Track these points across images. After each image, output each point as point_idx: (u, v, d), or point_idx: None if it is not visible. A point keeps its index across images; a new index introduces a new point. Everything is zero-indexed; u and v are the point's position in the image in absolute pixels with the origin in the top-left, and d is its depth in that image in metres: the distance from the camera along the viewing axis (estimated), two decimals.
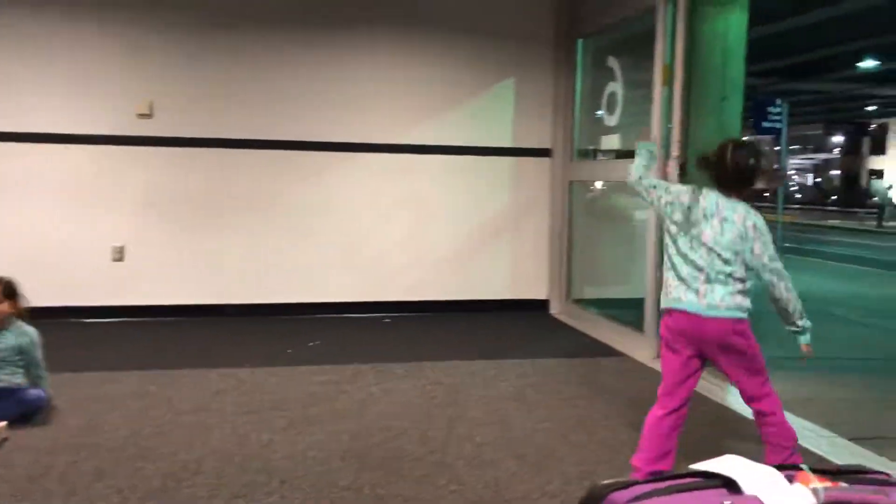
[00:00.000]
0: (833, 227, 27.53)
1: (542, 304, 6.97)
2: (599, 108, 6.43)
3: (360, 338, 5.79)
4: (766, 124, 12.78)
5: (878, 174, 41.15)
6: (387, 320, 6.38)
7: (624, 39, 6.43)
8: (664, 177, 5.17)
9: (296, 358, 5.07)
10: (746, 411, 4.10)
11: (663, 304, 3.08)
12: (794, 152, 52.76)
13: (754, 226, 2.93)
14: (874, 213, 28.01)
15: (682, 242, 3.00)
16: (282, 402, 4.10)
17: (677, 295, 2.97)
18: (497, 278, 6.90)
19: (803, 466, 1.17)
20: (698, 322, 2.93)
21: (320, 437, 3.58)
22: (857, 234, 24.90)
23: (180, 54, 6.20)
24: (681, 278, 2.97)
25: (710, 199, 2.99)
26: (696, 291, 2.93)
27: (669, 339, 3.04)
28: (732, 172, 2.99)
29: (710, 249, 2.93)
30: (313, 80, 6.42)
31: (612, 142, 6.51)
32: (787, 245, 15.80)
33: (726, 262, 2.92)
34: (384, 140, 6.58)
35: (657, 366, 5.06)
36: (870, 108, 29.36)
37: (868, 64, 16.93)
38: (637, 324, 5.54)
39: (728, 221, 2.94)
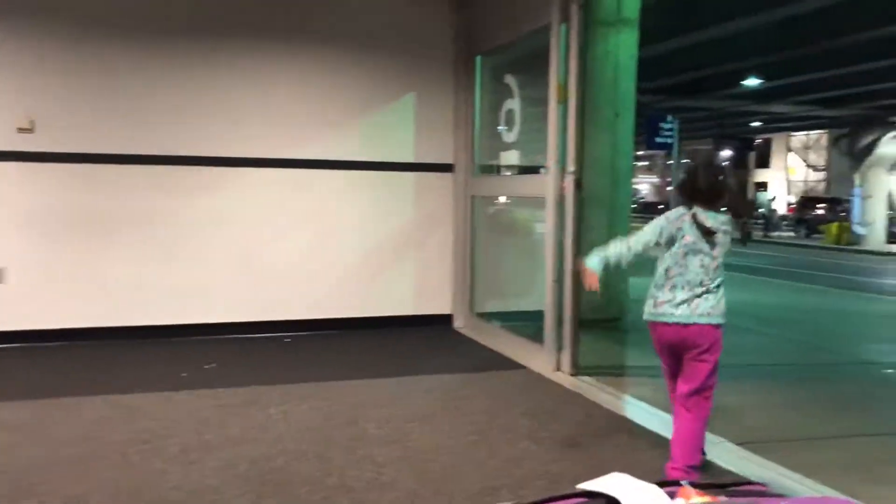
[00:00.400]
0: None
1: (445, 319, 6.98)
2: (499, 124, 6.52)
3: (259, 359, 5.65)
4: (658, 140, 13.29)
5: (763, 186, 43.42)
6: (287, 340, 6.25)
7: (520, 57, 6.55)
8: (562, 192, 5.28)
9: (191, 381, 4.89)
10: (643, 420, 4.22)
11: (651, 318, 3.36)
12: (685, 166, 55.10)
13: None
14: (761, 224, 29.55)
15: (693, 262, 3.28)
16: (175, 429, 3.94)
17: (670, 310, 3.27)
18: (400, 294, 6.87)
19: (684, 483, 1.20)
20: (683, 329, 3.25)
21: (216, 465, 3.45)
22: (744, 243, 26.07)
23: (63, 67, 5.90)
24: (680, 292, 3.26)
25: (711, 217, 3.30)
26: (690, 303, 3.24)
27: (659, 350, 3.43)
28: (706, 190, 3.32)
29: (717, 262, 3.28)
30: (207, 92, 6.24)
31: (511, 157, 6.61)
32: None
33: (723, 270, 3.30)
34: (283, 154, 6.45)
35: (556, 377, 5.16)
36: (754, 124, 30.95)
37: (752, 82, 17.85)
38: (537, 336, 5.61)
39: (726, 234, 3.32)
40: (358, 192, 6.70)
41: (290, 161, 6.47)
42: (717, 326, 3.26)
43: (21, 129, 5.80)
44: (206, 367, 5.31)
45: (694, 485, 1.19)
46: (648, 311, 3.36)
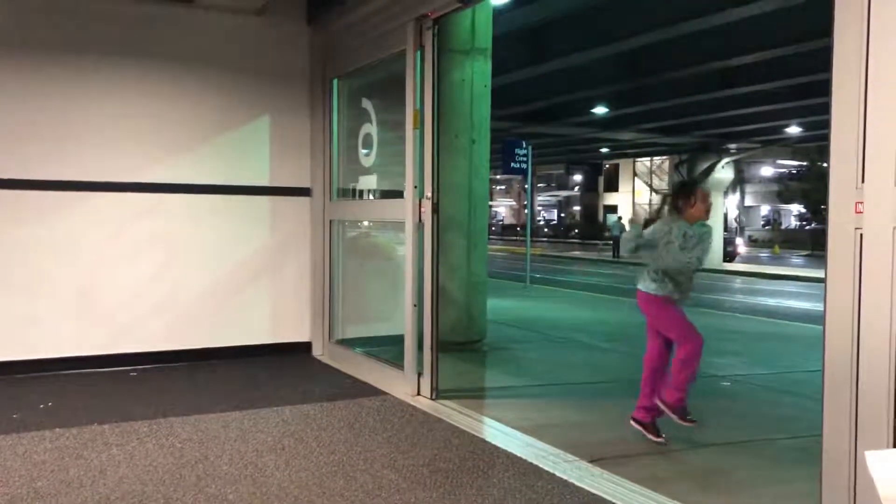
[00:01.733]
0: (576, 259, 30.02)
1: (304, 347, 6.82)
2: (358, 148, 6.48)
3: (102, 395, 5.28)
4: (514, 165, 13.66)
5: (613, 209, 45.71)
6: (133, 374, 5.89)
7: (378, 81, 6.56)
8: (419, 216, 5.30)
9: (23, 423, 4.50)
10: (501, 442, 4.26)
11: (663, 293, 4.46)
12: (540, 190, 57.13)
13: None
14: (611, 245, 31.05)
15: (678, 255, 4.39)
16: (4, 477, 3.60)
17: (673, 288, 4.47)
18: (256, 322, 6.65)
19: None
20: None
21: None
22: (596, 264, 27.35)
23: None
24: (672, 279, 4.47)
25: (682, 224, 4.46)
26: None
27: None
28: (671, 204, 4.56)
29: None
30: (47, 113, 5.83)
31: (369, 182, 6.59)
32: (536, 276, 16.96)
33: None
34: (130, 178, 6.11)
35: (417, 402, 5.14)
36: (603, 150, 32.50)
37: (600, 110, 18.76)
38: (398, 360, 5.59)
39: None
40: (210, 217, 6.46)
41: (138, 185, 6.15)
42: None
43: None
44: (42, 406, 4.91)
45: None
46: (661, 288, 4.46)
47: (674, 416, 4.40)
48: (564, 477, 3.70)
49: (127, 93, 6.12)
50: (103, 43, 6.03)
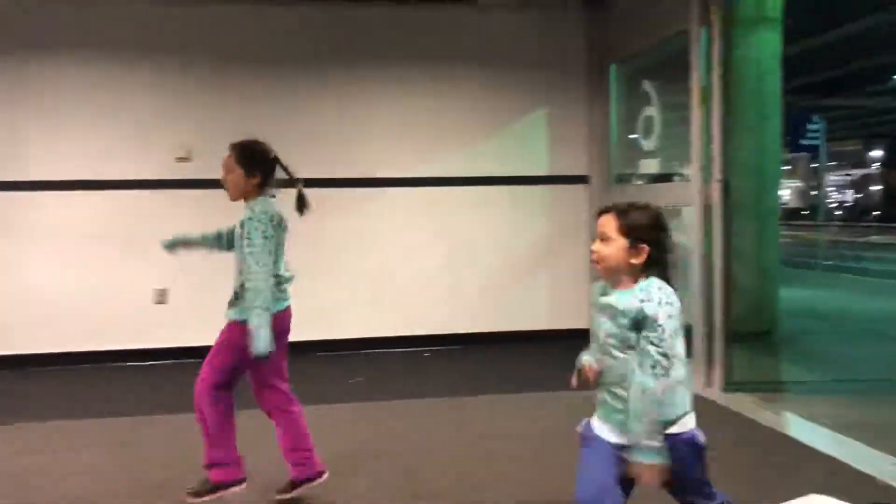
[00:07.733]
0: (873, 244, 26.92)
1: (582, 333, 6.80)
2: (636, 133, 6.36)
3: (399, 374, 5.72)
4: (803, 142, 12.57)
5: None
6: (426, 354, 6.31)
7: (658, 62, 6.37)
8: (708, 200, 5.06)
9: (329, 396, 5.01)
10: (807, 439, 3.95)
11: None
12: (831, 169, 52.00)
13: None
14: None
15: None
16: (331, 439, 4.02)
17: None
18: (535, 308, 6.79)
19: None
20: None
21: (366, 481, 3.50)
22: None
23: (207, 100, 6.27)
24: None
25: None
26: None
27: None
28: None
29: None
30: (342, 117, 6.45)
31: (650, 166, 6.43)
32: (827, 262, 15.49)
33: None
34: (418, 173, 6.56)
35: (707, 394, 4.92)
36: None
37: None
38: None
39: None
40: (491, 208, 6.71)
41: (423, 180, 6.58)
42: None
43: (179, 159, 6.19)
44: (351, 381, 5.43)
45: None
46: None
47: None
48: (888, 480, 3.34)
49: (412, 92, 6.57)
50: (389, 48, 6.52)
